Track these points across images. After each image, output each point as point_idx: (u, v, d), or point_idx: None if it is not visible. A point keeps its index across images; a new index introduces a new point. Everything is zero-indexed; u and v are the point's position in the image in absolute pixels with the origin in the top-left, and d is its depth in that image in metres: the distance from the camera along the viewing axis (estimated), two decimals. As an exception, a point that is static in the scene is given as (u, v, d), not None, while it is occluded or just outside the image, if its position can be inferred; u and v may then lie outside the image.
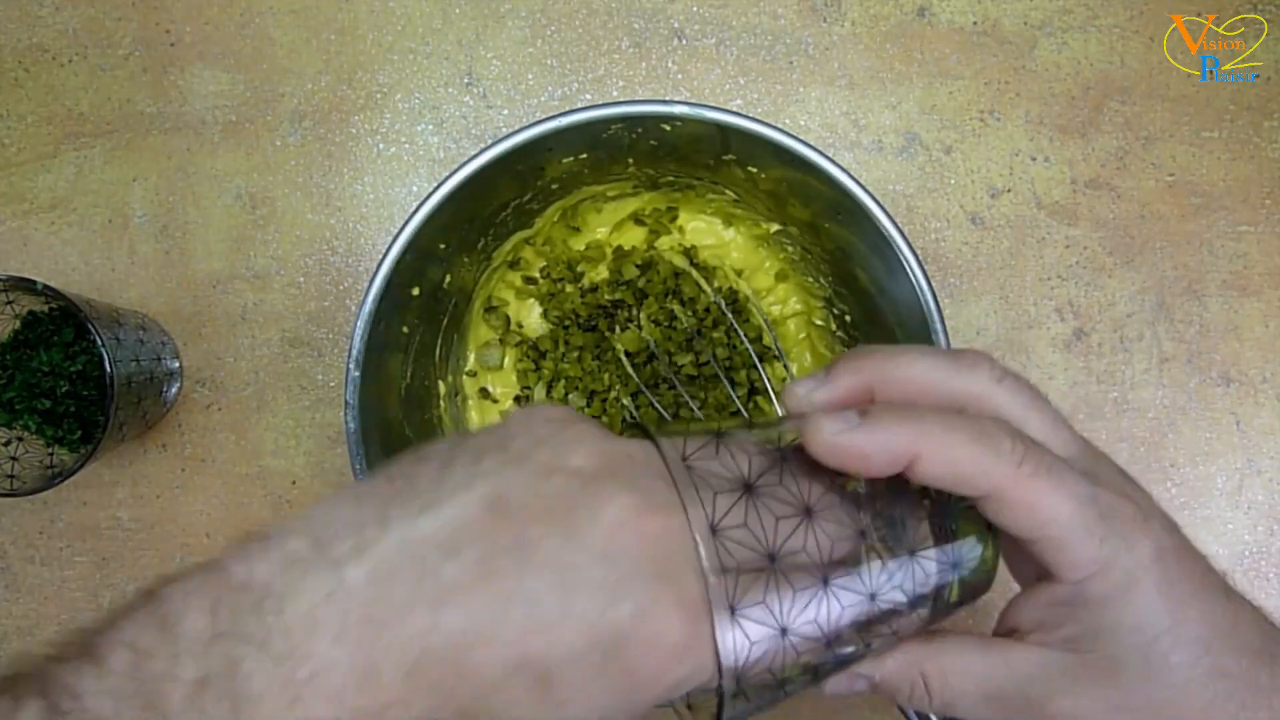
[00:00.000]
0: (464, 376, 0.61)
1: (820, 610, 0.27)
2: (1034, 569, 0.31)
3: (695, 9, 0.63)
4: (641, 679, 0.25)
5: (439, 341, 0.58)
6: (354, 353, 0.49)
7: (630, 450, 0.28)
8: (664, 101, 0.48)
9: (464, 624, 0.24)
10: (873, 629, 0.29)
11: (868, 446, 0.28)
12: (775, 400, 0.53)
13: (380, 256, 0.49)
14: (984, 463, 0.28)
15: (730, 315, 0.58)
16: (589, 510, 0.26)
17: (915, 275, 0.48)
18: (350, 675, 0.23)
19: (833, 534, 0.28)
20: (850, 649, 0.29)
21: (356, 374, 0.48)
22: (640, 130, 0.50)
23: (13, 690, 0.22)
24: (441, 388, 0.59)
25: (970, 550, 0.30)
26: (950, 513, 0.30)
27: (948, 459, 0.28)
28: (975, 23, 0.63)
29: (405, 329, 0.53)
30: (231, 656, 0.23)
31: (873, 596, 0.28)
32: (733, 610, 0.26)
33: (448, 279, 0.56)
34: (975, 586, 0.30)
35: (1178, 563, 0.29)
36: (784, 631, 0.26)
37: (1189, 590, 0.29)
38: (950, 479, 0.28)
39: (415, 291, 0.52)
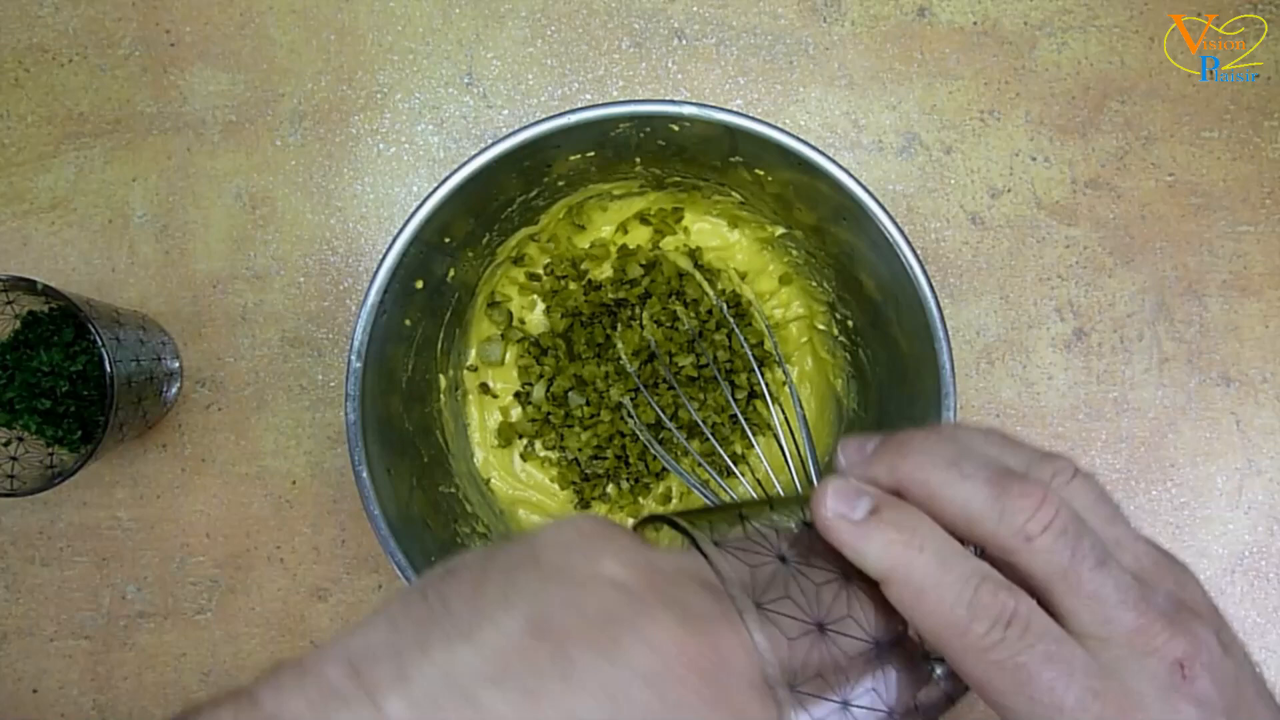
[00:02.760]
0: (465, 371, 0.61)
1: (877, 679, 0.27)
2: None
3: (695, 9, 0.63)
4: None
5: (441, 335, 0.58)
6: (356, 344, 0.48)
7: (667, 562, 0.27)
8: (673, 101, 0.48)
9: None
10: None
11: (858, 547, 0.27)
12: (771, 404, 0.53)
13: (384, 249, 0.49)
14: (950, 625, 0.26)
15: (732, 320, 0.58)
16: (632, 629, 0.24)
17: (920, 284, 0.48)
18: None
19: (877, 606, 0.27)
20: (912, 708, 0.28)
21: (358, 365, 0.48)
22: (648, 130, 0.50)
23: None
24: (442, 381, 0.59)
25: None
26: None
27: (921, 611, 0.27)
28: (975, 23, 0.63)
29: (408, 321, 0.53)
30: None
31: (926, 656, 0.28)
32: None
33: (452, 273, 0.55)
34: None
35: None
36: (845, 705, 0.26)
37: None
38: (916, 623, 0.27)
39: (419, 284, 0.52)
